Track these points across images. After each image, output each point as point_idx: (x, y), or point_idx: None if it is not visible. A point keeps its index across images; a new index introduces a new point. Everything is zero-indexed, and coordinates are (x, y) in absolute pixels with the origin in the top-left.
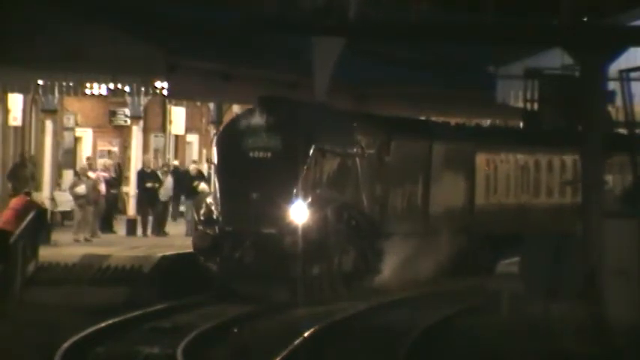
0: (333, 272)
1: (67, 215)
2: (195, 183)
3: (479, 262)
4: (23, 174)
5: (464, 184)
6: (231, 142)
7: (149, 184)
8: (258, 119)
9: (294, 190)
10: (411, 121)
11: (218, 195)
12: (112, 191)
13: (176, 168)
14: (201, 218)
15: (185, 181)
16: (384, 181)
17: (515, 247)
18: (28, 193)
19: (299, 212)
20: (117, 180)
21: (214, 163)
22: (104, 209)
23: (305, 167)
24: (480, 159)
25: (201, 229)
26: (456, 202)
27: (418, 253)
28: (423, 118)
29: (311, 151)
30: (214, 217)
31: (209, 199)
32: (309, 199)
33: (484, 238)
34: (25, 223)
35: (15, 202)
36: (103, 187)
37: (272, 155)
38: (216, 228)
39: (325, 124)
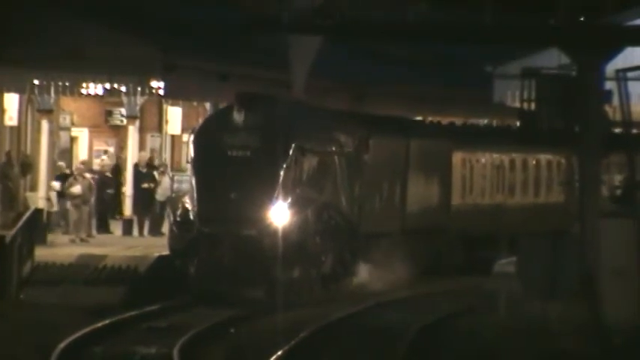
0: (314, 274)
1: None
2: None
3: (455, 262)
4: (13, 173)
5: (440, 181)
6: (208, 140)
7: (145, 185)
8: (236, 117)
9: (274, 190)
10: (389, 119)
11: (195, 195)
12: (108, 191)
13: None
14: (178, 219)
15: None
16: (362, 179)
17: (491, 246)
18: None
19: (279, 213)
20: (113, 180)
21: (191, 162)
22: (94, 210)
23: (285, 166)
24: (457, 157)
25: (178, 230)
26: (432, 200)
27: (395, 252)
28: (418, 116)
29: (291, 150)
30: (191, 217)
31: (186, 199)
32: (289, 200)
33: (460, 237)
34: (20, 223)
35: None
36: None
37: (251, 154)
38: (194, 229)
39: (305, 122)
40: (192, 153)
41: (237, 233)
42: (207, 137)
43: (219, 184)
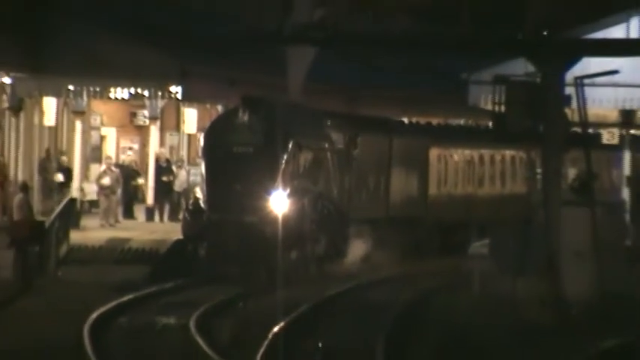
0: (309, 256)
1: (94, 203)
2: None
3: (432, 245)
4: (50, 167)
5: (419, 175)
6: (217, 138)
7: (164, 178)
8: (241, 117)
9: (274, 182)
10: (374, 119)
11: (205, 186)
12: (134, 183)
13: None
14: (190, 208)
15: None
16: (351, 172)
17: (464, 231)
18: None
19: (278, 202)
20: (137, 173)
21: (202, 157)
22: (121, 199)
23: (283, 161)
24: (433, 153)
25: (190, 218)
26: (412, 191)
27: (380, 237)
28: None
29: (289, 146)
30: (201, 206)
31: (197, 190)
32: (287, 190)
33: (436, 223)
34: (57, 210)
35: None
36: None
37: (253, 150)
38: (204, 217)
39: (301, 121)
40: (202, 149)
41: (241, 220)
42: (216, 135)
43: (226, 177)
